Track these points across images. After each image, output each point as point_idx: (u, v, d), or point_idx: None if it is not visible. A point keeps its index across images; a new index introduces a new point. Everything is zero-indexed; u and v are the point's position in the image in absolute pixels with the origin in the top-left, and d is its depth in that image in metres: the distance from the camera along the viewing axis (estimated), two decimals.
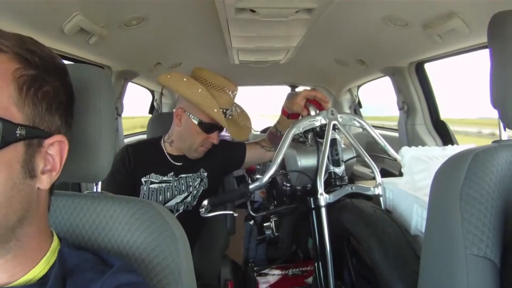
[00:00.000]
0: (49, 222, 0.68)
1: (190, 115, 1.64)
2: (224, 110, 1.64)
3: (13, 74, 0.55)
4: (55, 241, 0.67)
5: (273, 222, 2.10)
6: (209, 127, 1.64)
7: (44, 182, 0.60)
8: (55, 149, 0.62)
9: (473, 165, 0.79)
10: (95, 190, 0.91)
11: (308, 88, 3.39)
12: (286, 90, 4.71)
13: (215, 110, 1.58)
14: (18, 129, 0.54)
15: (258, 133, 5.17)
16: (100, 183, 0.91)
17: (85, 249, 0.70)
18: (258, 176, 3.44)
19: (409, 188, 1.41)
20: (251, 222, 2.88)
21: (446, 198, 0.80)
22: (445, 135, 2.42)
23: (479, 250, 0.73)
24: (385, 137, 1.59)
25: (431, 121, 2.50)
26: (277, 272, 2.02)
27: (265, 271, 2.04)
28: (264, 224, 2.13)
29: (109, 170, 0.82)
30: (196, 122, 1.64)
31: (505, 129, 0.90)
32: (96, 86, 0.78)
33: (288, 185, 2.02)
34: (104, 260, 0.68)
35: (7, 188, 0.53)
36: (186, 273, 0.77)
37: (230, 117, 1.70)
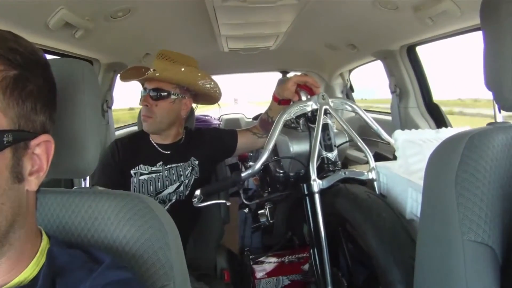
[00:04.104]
0: (37, 221, 0.67)
1: None
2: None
3: None
4: (45, 240, 0.66)
5: (267, 209, 2.10)
6: (142, 92, 1.68)
7: (32, 183, 0.59)
8: (42, 149, 0.60)
9: (468, 149, 0.77)
10: (83, 185, 0.90)
11: (299, 73, 3.38)
12: (275, 77, 4.71)
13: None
14: (5, 136, 0.53)
15: (250, 120, 5.17)
16: (88, 178, 0.90)
17: (75, 246, 0.69)
18: (251, 163, 3.44)
19: (403, 172, 1.41)
20: (246, 210, 2.88)
21: (441, 183, 0.79)
22: (438, 118, 2.43)
23: (476, 236, 0.72)
24: (378, 121, 1.58)
25: (424, 104, 2.51)
26: (273, 259, 2.02)
27: (261, 259, 2.04)
28: (259, 212, 2.13)
29: (96, 165, 0.81)
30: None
31: (500, 111, 0.89)
32: (80, 80, 0.77)
33: (281, 171, 2.02)
34: (94, 257, 0.67)
35: None
36: (177, 266, 0.77)
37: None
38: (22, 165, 0.57)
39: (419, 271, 0.86)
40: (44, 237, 0.66)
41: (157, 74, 1.61)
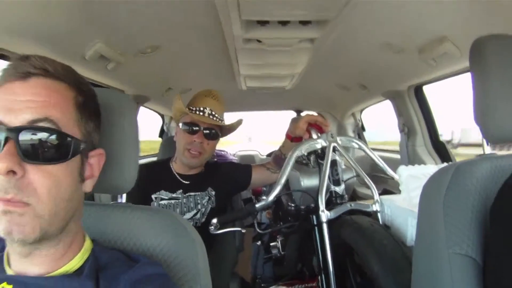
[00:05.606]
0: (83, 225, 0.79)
1: (179, 124, 1.81)
2: (202, 108, 1.76)
3: (73, 101, 0.70)
4: (88, 241, 0.78)
5: (279, 242, 2.18)
6: (188, 126, 1.76)
7: (88, 185, 0.76)
8: (95, 159, 0.77)
9: (455, 176, 0.88)
10: (119, 201, 1.02)
11: (314, 113, 3.48)
12: (288, 117, 4.81)
13: (179, 100, 1.76)
14: (81, 144, 0.70)
15: (264, 157, 5.27)
16: (124, 195, 1.02)
17: (115, 249, 0.81)
18: (264, 197, 3.51)
19: (407, 205, 1.48)
20: (258, 243, 2.94)
21: (432, 205, 0.90)
22: (444, 155, 2.49)
23: (461, 249, 0.82)
24: (387, 159, 1.67)
25: (431, 142, 2.57)
26: None
27: (272, 287, 2.09)
28: (271, 244, 2.21)
29: (134, 183, 0.92)
30: (180, 126, 1.80)
31: (488, 144, 0.99)
32: (122, 109, 0.89)
33: (292, 205, 2.11)
34: (132, 258, 0.79)
35: (70, 189, 0.68)
36: (203, 272, 0.88)
37: (215, 118, 1.79)
38: (84, 170, 0.73)
39: (414, 283, 0.95)
40: (87, 238, 0.79)
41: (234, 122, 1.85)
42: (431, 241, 0.89)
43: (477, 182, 0.87)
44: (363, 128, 3.89)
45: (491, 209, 0.80)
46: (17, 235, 0.61)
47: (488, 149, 1.01)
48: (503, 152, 1.01)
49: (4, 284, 0.66)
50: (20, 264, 0.69)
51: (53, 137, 0.64)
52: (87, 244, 0.77)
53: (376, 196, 1.53)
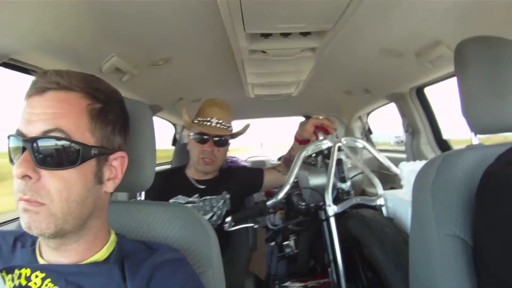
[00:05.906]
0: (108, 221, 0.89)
1: (190, 134, 1.93)
2: (209, 118, 1.88)
3: (86, 109, 0.75)
4: (113, 235, 0.88)
5: (292, 241, 2.27)
6: (199, 136, 1.88)
7: (109, 187, 0.81)
8: (118, 162, 0.83)
9: (443, 163, 0.97)
10: (138, 198, 1.13)
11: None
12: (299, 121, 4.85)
13: (185, 114, 1.88)
14: (92, 149, 0.75)
15: (276, 161, 5.35)
16: (143, 192, 1.13)
17: (137, 241, 0.91)
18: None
19: (408, 198, 1.54)
20: (272, 244, 3.04)
21: (421, 192, 0.99)
22: None
23: (449, 230, 0.90)
24: (394, 159, 1.75)
25: (435, 141, 2.65)
26: (297, 284, 2.15)
27: (287, 284, 2.18)
28: (284, 243, 2.31)
29: (152, 182, 1.03)
30: (191, 136, 1.91)
31: (475, 135, 1.08)
32: (141, 117, 1.00)
33: (303, 203, 2.21)
34: (153, 247, 0.89)
35: (83, 191, 0.74)
36: (215, 259, 0.99)
37: (222, 126, 1.90)
38: (103, 172, 0.79)
39: (410, 263, 1.04)
40: (113, 233, 0.89)
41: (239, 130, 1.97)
42: (423, 225, 0.97)
43: (463, 169, 0.95)
44: (369, 131, 3.96)
45: (476, 194, 0.87)
46: (34, 229, 0.70)
47: (476, 140, 1.08)
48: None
49: (38, 272, 0.75)
50: (51, 255, 0.78)
51: (63, 145, 0.71)
52: (113, 237, 0.87)
53: (380, 191, 1.62)
